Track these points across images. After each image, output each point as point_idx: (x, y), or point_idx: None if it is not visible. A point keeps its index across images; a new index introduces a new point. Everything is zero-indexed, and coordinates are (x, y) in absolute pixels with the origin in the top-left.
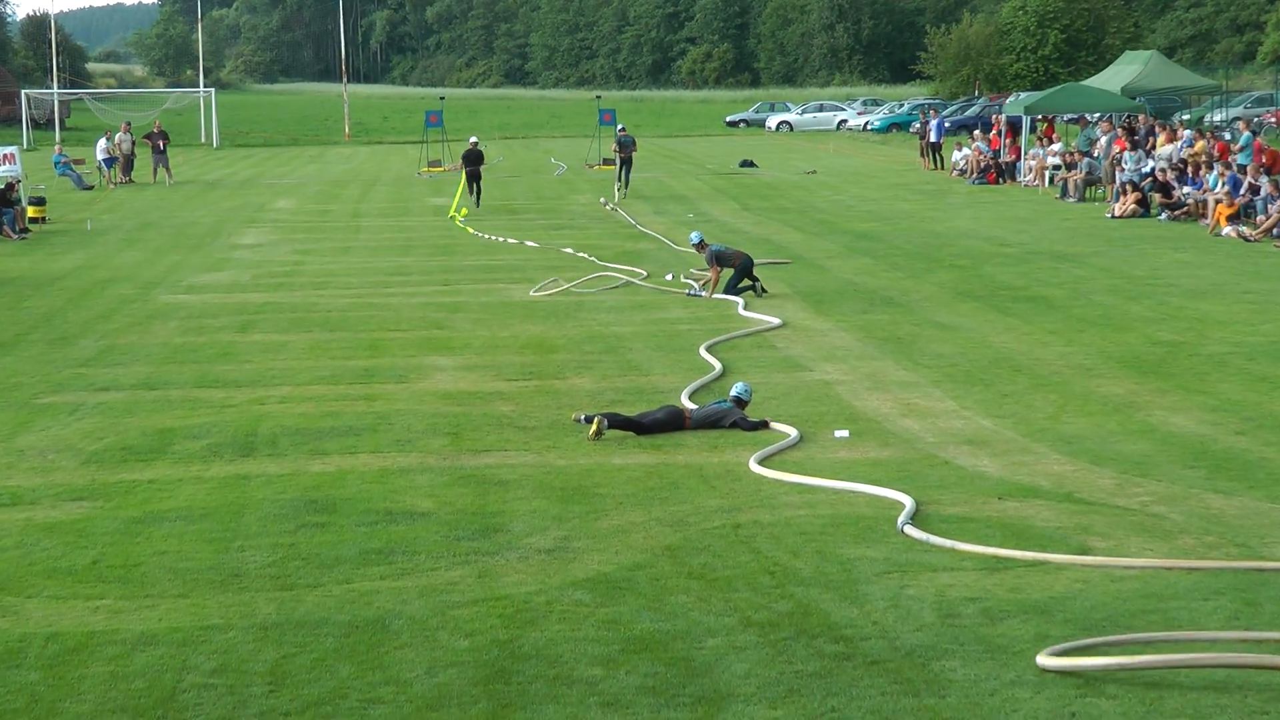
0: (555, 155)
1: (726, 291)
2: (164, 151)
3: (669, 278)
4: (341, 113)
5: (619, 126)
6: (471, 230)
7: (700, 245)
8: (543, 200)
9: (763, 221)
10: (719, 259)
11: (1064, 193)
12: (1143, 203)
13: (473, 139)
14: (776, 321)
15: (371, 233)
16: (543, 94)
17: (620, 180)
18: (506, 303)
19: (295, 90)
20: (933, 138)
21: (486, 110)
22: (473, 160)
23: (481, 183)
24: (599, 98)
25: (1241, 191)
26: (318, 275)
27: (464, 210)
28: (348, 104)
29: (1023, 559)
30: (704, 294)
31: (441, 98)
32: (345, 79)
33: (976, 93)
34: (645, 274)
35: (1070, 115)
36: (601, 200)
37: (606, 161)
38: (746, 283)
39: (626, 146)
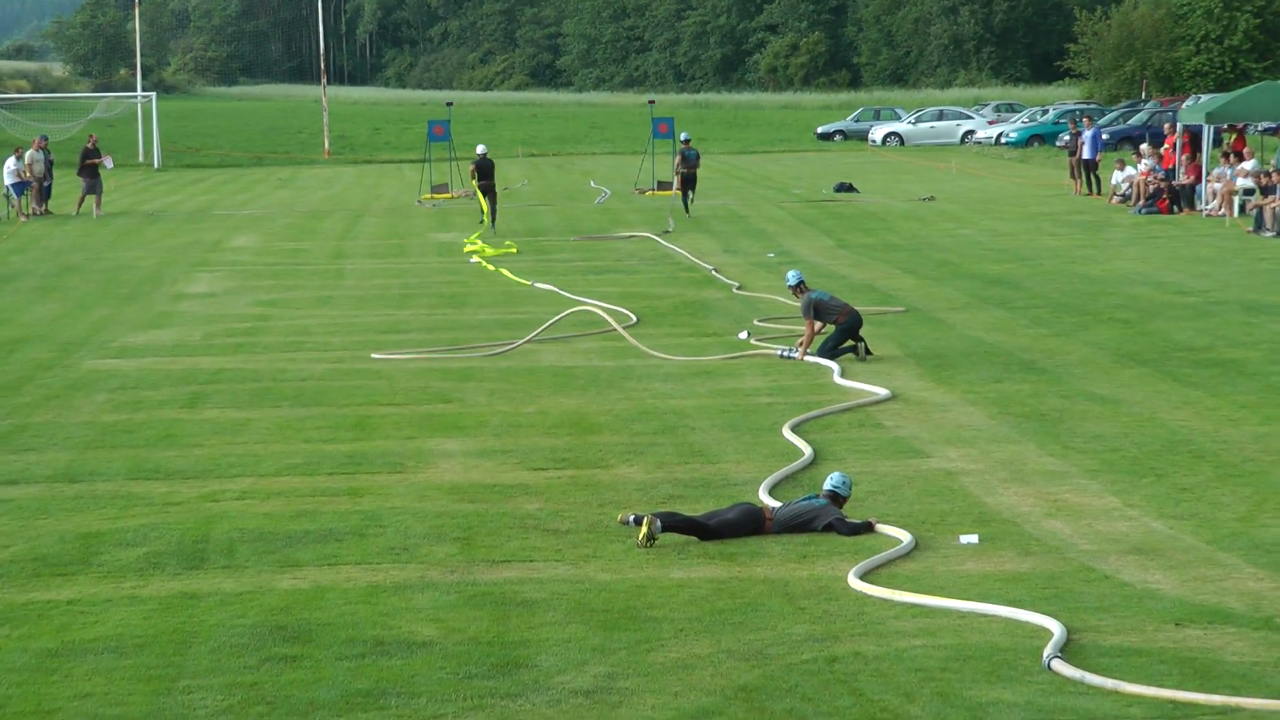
0: (596, 178)
1: (822, 354)
2: (99, 176)
3: (744, 336)
4: (319, 123)
5: (682, 136)
6: (494, 266)
7: (798, 288)
8: (580, 234)
9: (864, 262)
10: (817, 310)
11: (1259, 225)
12: None
13: (481, 148)
14: (884, 393)
15: (358, 278)
16: (580, 98)
17: (681, 203)
18: (533, 369)
19: (260, 95)
20: (1086, 154)
21: (507, 119)
22: (484, 173)
23: (496, 198)
24: (652, 103)
25: None
26: (288, 333)
27: (484, 246)
28: (327, 112)
29: (1208, 704)
30: (795, 355)
31: (449, 103)
32: (325, 80)
33: (1144, 95)
34: (634, 319)
35: (1268, 124)
36: (665, 229)
37: (662, 186)
38: (849, 343)
39: (690, 162)
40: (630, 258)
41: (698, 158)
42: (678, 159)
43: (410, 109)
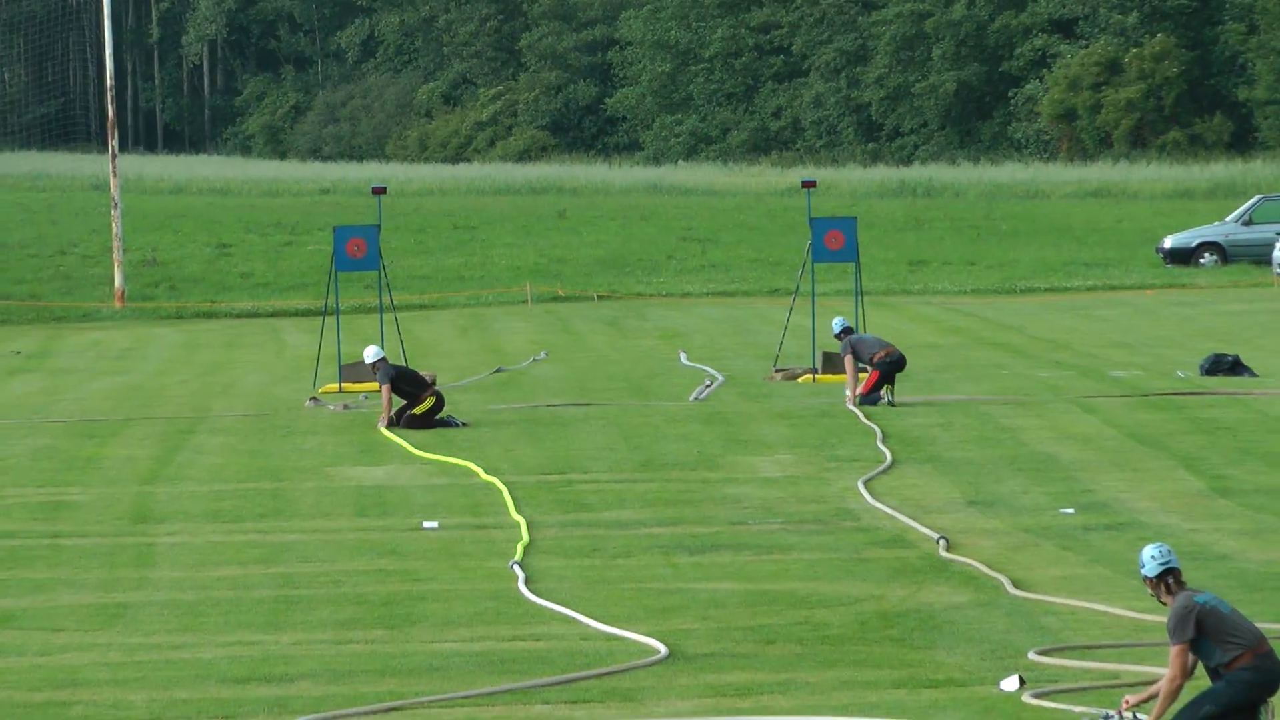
0: (688, 349)
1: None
2: None
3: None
4: (106, 234)
5: (837, 323)
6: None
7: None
8: (657, 475)
9: (1272, 526)
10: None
11: None
12: None
13: (372, 353)
14: None
15: (184, 564)
16: (652, 175)
17: (867, 401)
18: None
19: None
20: None
21: (501, 223)
22: (412, 382)
23: (447, 418)
24: (811, 186)
25: None
26: (36, 688)
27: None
28: (120, 210)
29: None
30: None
31: (378, 189)
32: (114, 143)
33: None
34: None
35: None
36: (878, 463)
37: (827, 360)
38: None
39: (891, 361)
40: (766, 517)
41: (902, 361)
42: (847, 350)
43: (298, 201)
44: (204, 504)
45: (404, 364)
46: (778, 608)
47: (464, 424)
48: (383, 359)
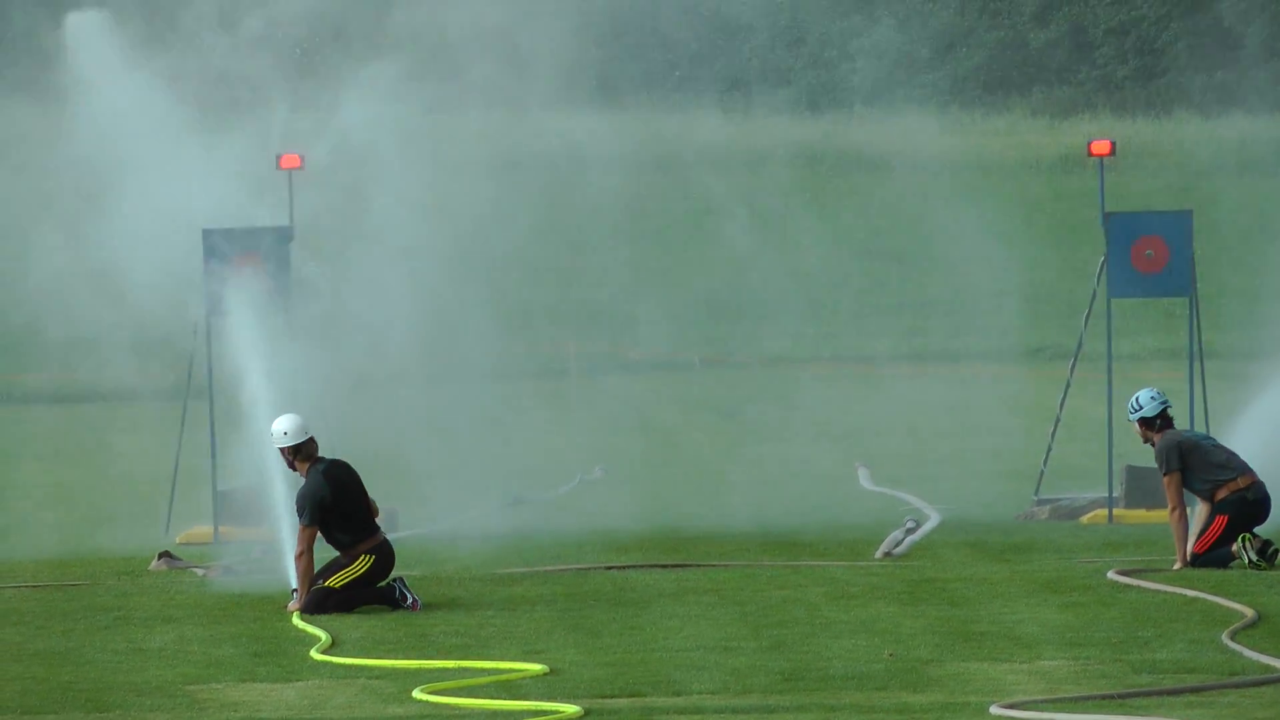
0: (877, 455)
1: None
2: None
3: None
4: None
5: (1146, 397)
6: None
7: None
8: (814, 698)
9: None
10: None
11: None
12: None
13: (289, 425)
14: None
15: None
16: (815, 133)
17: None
18: None
19: None
20: None
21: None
22: (350, 519)
23: (392, 588)
24: (1103, 156)
25: None
26: None
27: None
28: None
29: None
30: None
31: (291, 162)
32: None
33: None
34: None
35: None
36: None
37: (1109, 499)
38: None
39: (1253, 502)
40: None
41: (1235, 463)
42: (1173, 464)
43: None
44: None
45: (341, 471)
46: None
47: (414, 601)
48: (309, 447)
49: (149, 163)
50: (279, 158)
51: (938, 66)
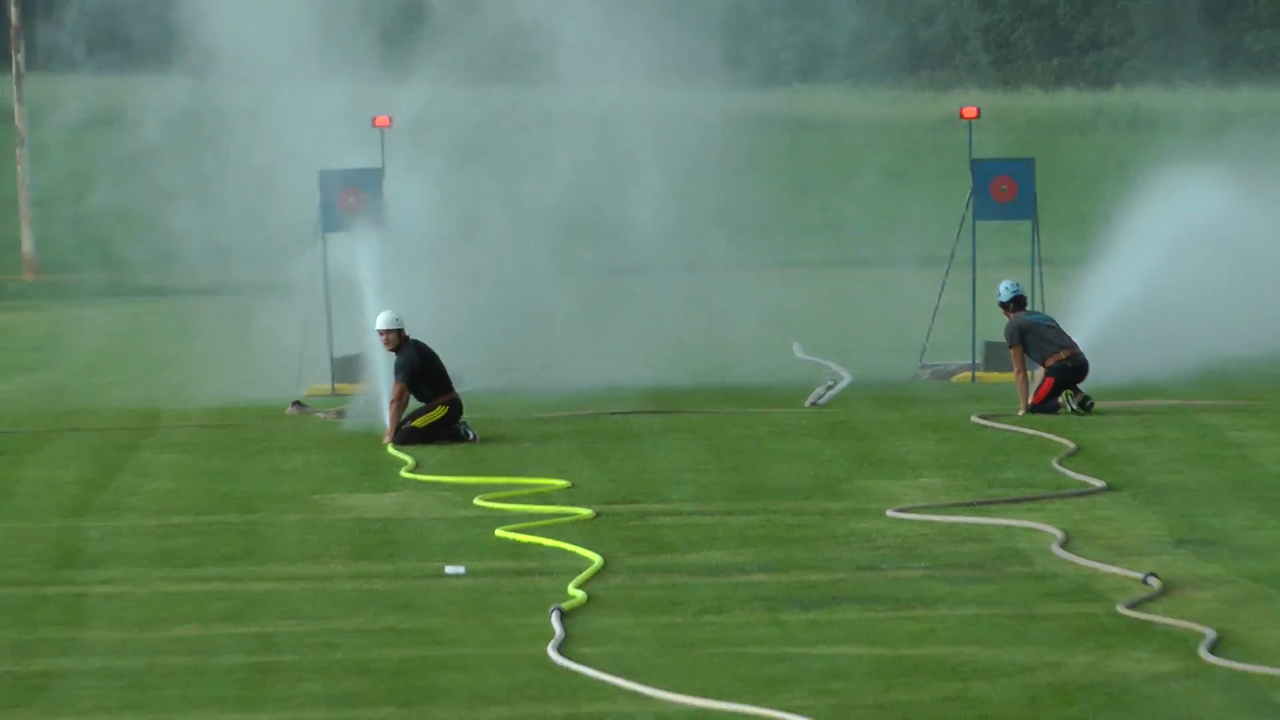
0: (808, 333)
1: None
2: None
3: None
4: (10, 179)
5: (1005, 287)
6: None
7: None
8: (760, 505)
9: None
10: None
11: None
12: None
13: (388, 319)
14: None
15: (124, 625)
16: (764, 102)
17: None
18: None
19: None
20: None
21: None
22: (430, 378)
23: (460, 428)
24: (971, 118)
25: None
26: None
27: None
28: (27, 147)
29: None
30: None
31: (382, 121)
32: (19, 56)
33: None
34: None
35: None
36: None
37: (991, 352)
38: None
39: (1070, 369)
40: (905, 561)
41: (1062, 339)
42: (1016, 339)
43: None
44: (151, 542)
45: (425, 348)
46: (920, 679)
47: (474, 436)
48: (402, 334)
49: (284, 119)
50: (373, 119)
51: (853, 55)
